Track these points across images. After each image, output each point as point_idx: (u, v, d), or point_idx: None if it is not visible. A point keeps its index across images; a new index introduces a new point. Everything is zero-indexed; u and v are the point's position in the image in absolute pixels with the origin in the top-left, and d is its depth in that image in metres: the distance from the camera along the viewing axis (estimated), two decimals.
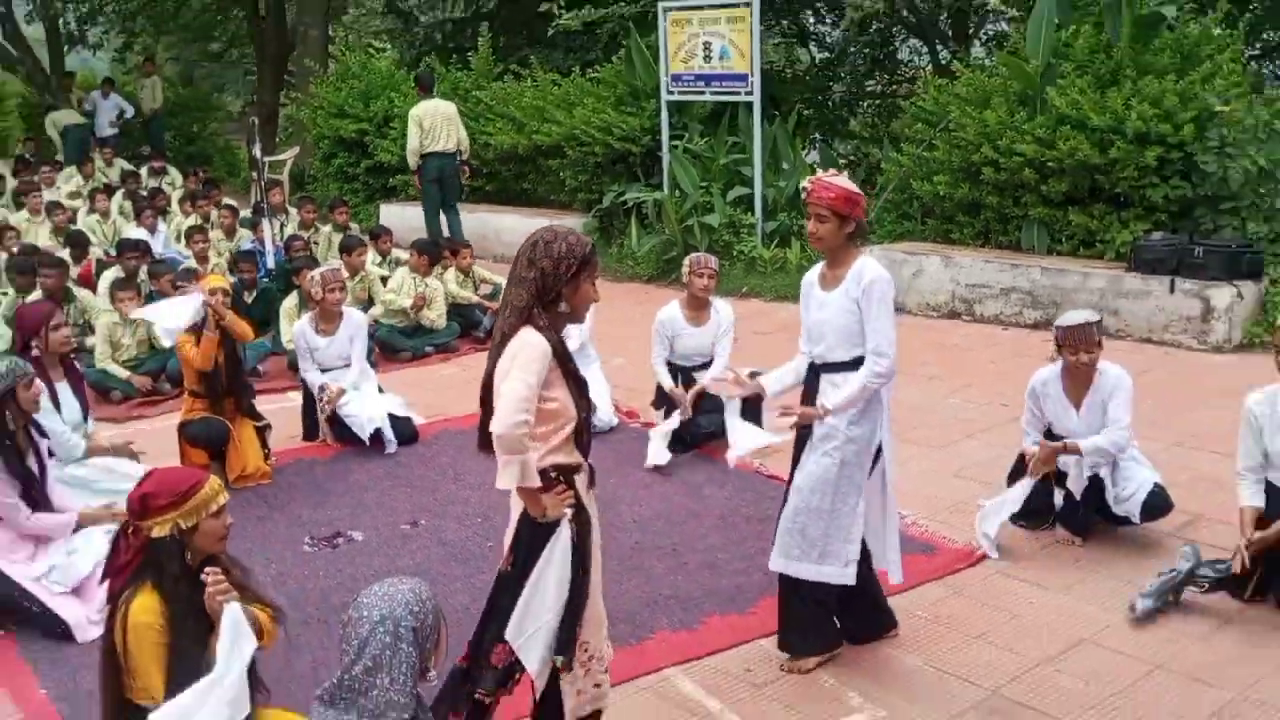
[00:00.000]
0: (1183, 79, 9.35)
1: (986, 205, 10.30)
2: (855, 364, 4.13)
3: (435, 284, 9.54)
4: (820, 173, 4.24)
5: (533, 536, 3.32)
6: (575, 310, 3.35)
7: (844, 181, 4.11)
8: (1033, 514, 5.52)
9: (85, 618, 4.74)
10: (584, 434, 3.38)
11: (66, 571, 4.88)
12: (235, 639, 3.02)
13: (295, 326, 7.26)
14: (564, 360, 3.28)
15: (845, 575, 4.23)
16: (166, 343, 6.70)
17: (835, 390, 4.14)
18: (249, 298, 9.46)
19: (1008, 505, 5.38)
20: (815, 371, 4.24)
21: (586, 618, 3.42)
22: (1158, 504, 5.27)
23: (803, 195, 4.26)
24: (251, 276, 9.59)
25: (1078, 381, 5.34)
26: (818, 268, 4.32)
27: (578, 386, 3.33)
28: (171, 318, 6.31)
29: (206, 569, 3.18)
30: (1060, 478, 5.42)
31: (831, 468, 4.14)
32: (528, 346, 3.20)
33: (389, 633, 2.51)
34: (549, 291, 3.26)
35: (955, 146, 10.34)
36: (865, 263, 4.14)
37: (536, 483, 3.21)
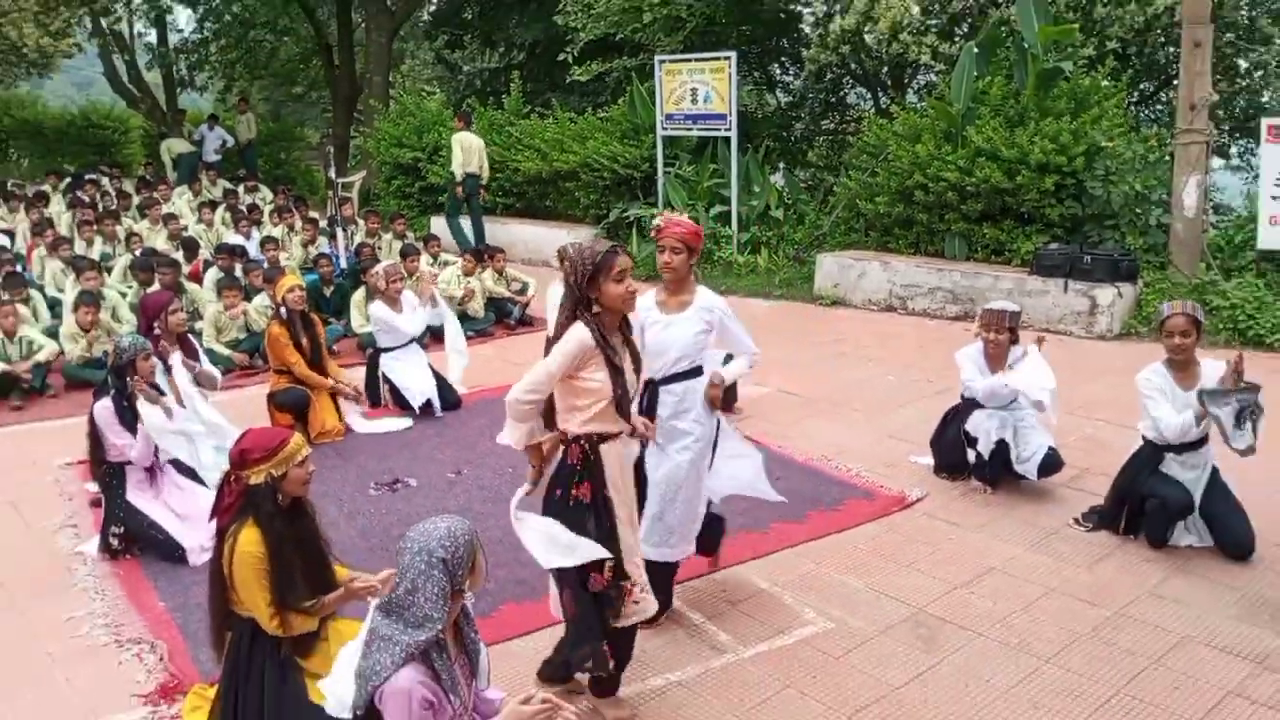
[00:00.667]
0: (1076, 120, 9.34)
1: (917, 221, 10.29)
2: (689, 374, 3.87)
3: (475, 282, 9.54)
4: (670, 213, 4.01)
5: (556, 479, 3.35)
6: (608, 307, 3.20)
7: (688, 220, 3.95)
8: (952, 468, 5.54)
9: (199, 545, 4.74)
10: (622, 405, 3.28)
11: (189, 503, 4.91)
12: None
13: (372, 309, 7.22)
14: (605, 349, 3.21)
15: (688, 552, 4.05)
16: None
17: (679, 390, 3.87)
18: (328, 291, 9.44)
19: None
20: (654, 386, 3.86)
21: (626, 548, 3.33)
22: (1051, 464, 5.27)
23: (652, 233, 3.98)
24: (329, 272, 9.56)
25: (995, 359, 5.33)
26: (651, 295, 3.98)
27: (615, 371, 3.23)
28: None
29: (380, 577, 3.32)
30: (972, 441, 5.40)
31: (684, 464, 3.87)
32: (570, 339, 3.18)
33: (424, 561, 2.52)
34: (581, 297, 3.20)
35: (893, 173, 10.31)
36: (704, 290, 3.98)
37: (530, 440, 3.33)
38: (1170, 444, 4.63)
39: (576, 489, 3.29)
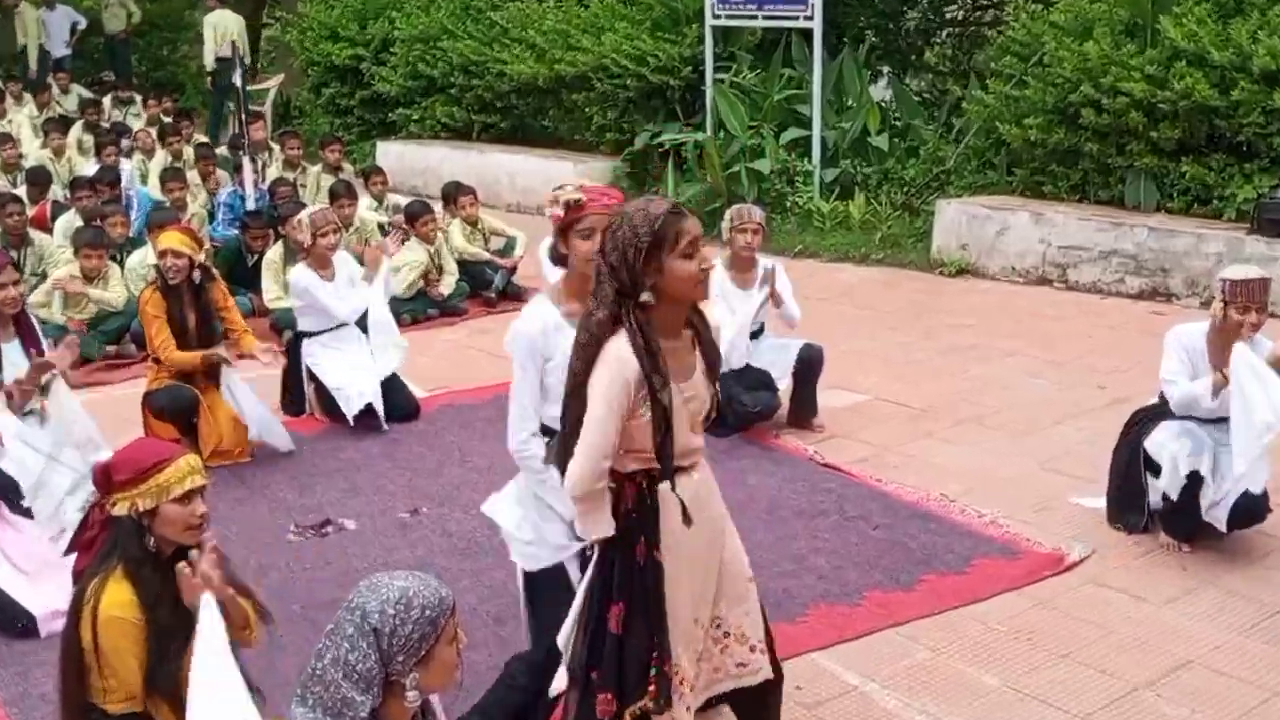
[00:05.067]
0: None
1: (1085, 153, 10.24)
2: None
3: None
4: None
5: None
6: (673, 298, 3.14)
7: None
8: (1130, 511, 5.46)
9: (49, 610, 4.66)
10: (664, 453, 3.21)
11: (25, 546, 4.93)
12: (210, 637, 3.02)
13: (294, 273, 7.20)
14: (652, 376, 3.09)
15: None
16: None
17: None
18: (250, 260, 9.44)
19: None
20: None
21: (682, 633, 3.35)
22: (1249, 511, 5.15)
23: (553, 219, 3.86)
24: (262, 243, 9.50)
25: (1228, 347, 5.21)
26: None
27: (660, 410, 3.11)
28: None
29: (191, 557, 3.18)
30: (1155, 470, 5.31)
31: None
32: (609, 373, 3.07)
33: (352, 623, 2.53)
34: (628, 286, 3.07)
35: (1050, 84, 10.26)
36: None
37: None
38: None
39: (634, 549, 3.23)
